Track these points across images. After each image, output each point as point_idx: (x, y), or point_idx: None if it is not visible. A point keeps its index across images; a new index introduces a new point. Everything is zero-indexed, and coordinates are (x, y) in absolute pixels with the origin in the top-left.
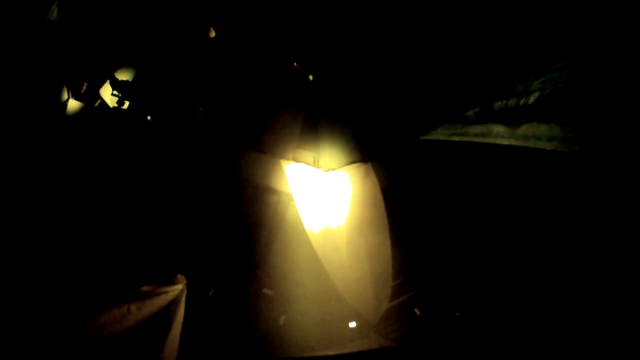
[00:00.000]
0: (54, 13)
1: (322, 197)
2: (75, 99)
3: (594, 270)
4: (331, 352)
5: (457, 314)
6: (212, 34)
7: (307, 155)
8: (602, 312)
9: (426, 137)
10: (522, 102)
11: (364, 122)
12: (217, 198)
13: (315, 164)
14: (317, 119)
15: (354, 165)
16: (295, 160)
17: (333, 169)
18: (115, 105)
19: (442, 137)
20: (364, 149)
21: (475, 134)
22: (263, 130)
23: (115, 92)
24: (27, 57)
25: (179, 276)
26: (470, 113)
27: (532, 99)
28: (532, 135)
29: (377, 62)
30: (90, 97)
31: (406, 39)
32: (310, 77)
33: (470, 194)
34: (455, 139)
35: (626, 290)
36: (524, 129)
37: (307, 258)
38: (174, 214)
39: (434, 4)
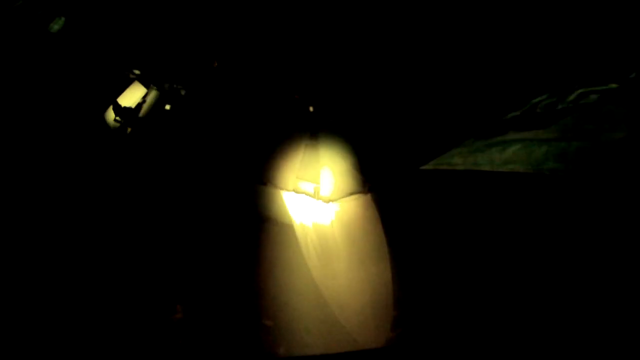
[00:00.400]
0: (56, 26)
1: (323, 228)
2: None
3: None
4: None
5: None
6: (215, 64)
7: (308, 186)
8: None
9: (426, 167)
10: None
11: (365, 152)
12: (217, 229)
13: (316, 194)
14: (317, 150)
15: (354, 196)
16: (296, 191)
17: (334, 200)
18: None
19: (441, 167)
20: (365, 180)
21: (469, 162)
22: (263, 162)
23: (117, 118)
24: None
25: (178, 307)
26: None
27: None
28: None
29: (378, 91)
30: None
31: (405, 70)
32: (311, 109)
33: (473, 223)
34: (450, 168)
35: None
36: (509, 153)
37: (307, 288)
38: (174, 243)
39: (433, 35)
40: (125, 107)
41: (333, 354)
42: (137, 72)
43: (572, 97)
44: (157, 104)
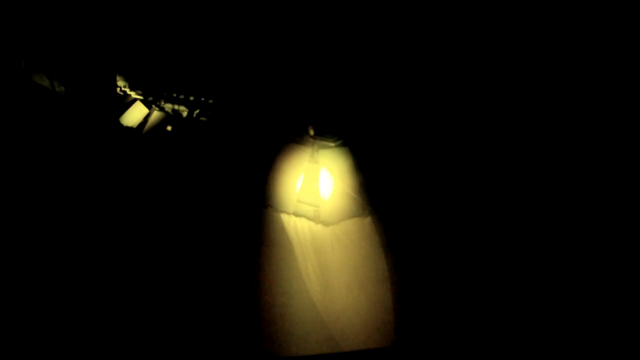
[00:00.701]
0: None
1: (323, 251)
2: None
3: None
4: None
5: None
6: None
7: (308, 208)
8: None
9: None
10: None
11: (365, 175)
12: (216, 252)
13: (316, 218)
14: (317, 172)
15: (355, 219)
16: (296, 214)
17: (334, 223)
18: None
19: None
20: (366, 202)
21: None
22: (263, 184)
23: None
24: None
25: None
26: None
27: None
28: None
29: (379, 114)
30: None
31: (405, 93)
32: (312, 132)
33: (475, 245)
34: None
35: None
36: None
37: (307, 312)
38: (173, 264)
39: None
40: (127, 127)
41: (333, 354)
42: (140, 92)
43: None
44: (159, 125)
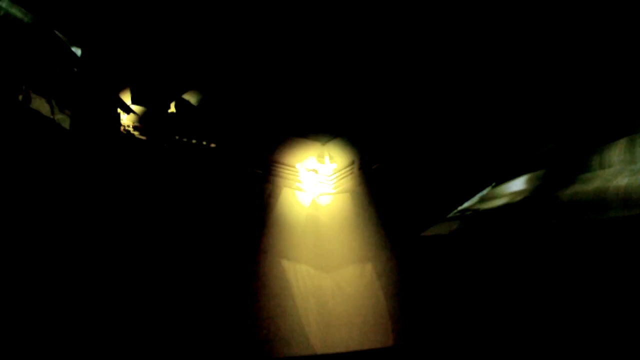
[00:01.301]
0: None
1: (323, 296)
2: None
3: None
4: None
5: None
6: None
7: (308, 255)
8: None
9: (426, 234)
10: None
11: (366, 222)
12: (216, 301)
13: (316, 264)
14: (318, 219)
15: (355, 266)
16: (297, 260)
17: (334, 270)
18: None
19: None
20: (366, 249)
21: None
22: (263, 230)
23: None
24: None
25: None
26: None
27: None
28: None
29: (380, 161)
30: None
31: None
32: (313, 178)
33: (468, 286)
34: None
35: None
36: None
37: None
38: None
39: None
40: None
41: (333, 354)
42: (143, 132)
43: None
44: (161, 167)
